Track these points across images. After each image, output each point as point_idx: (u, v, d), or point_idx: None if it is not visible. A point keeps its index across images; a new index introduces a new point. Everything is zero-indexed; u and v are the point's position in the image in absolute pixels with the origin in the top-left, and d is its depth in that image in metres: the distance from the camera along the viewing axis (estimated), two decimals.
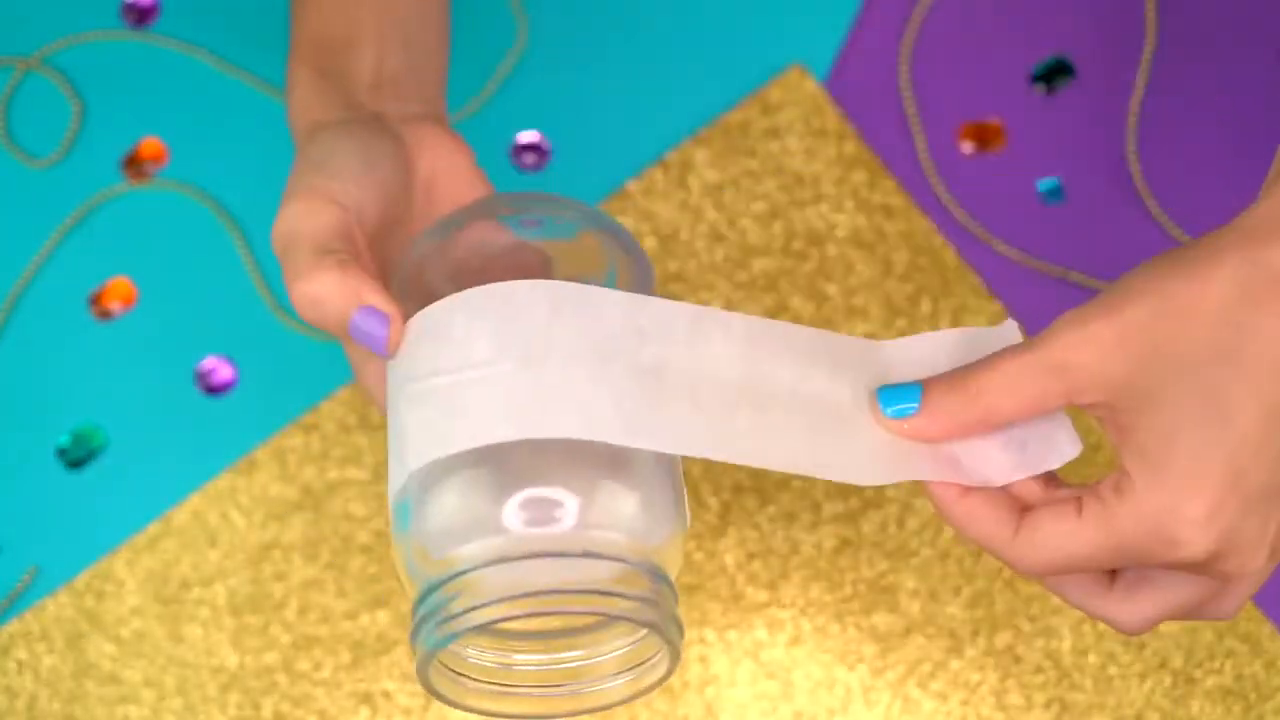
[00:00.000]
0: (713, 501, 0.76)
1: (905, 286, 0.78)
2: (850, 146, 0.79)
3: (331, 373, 0.78)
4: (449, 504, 0.53)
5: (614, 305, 0.55)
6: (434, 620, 0.52)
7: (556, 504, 0.52)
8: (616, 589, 0.51)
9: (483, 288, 0.55)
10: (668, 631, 0.52)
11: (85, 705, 0.75)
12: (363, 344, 0.56)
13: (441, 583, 0.52)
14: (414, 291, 0.57)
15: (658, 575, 0.53)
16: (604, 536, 0.52)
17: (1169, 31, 0.81)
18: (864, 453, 0.55)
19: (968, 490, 0.55)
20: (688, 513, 0.57)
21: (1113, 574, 0.56)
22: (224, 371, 0.78)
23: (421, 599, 0.53)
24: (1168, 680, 0.74)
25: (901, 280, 0.78)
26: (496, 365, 0.53)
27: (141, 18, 0.82)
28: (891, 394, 0.56)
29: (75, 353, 0.79)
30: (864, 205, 0.79)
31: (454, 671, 0.55)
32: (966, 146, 0.80)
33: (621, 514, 0.53)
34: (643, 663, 0.56)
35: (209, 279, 0.79)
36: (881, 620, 0.75)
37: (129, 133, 0.81)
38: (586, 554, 0.52)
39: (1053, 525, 0.54)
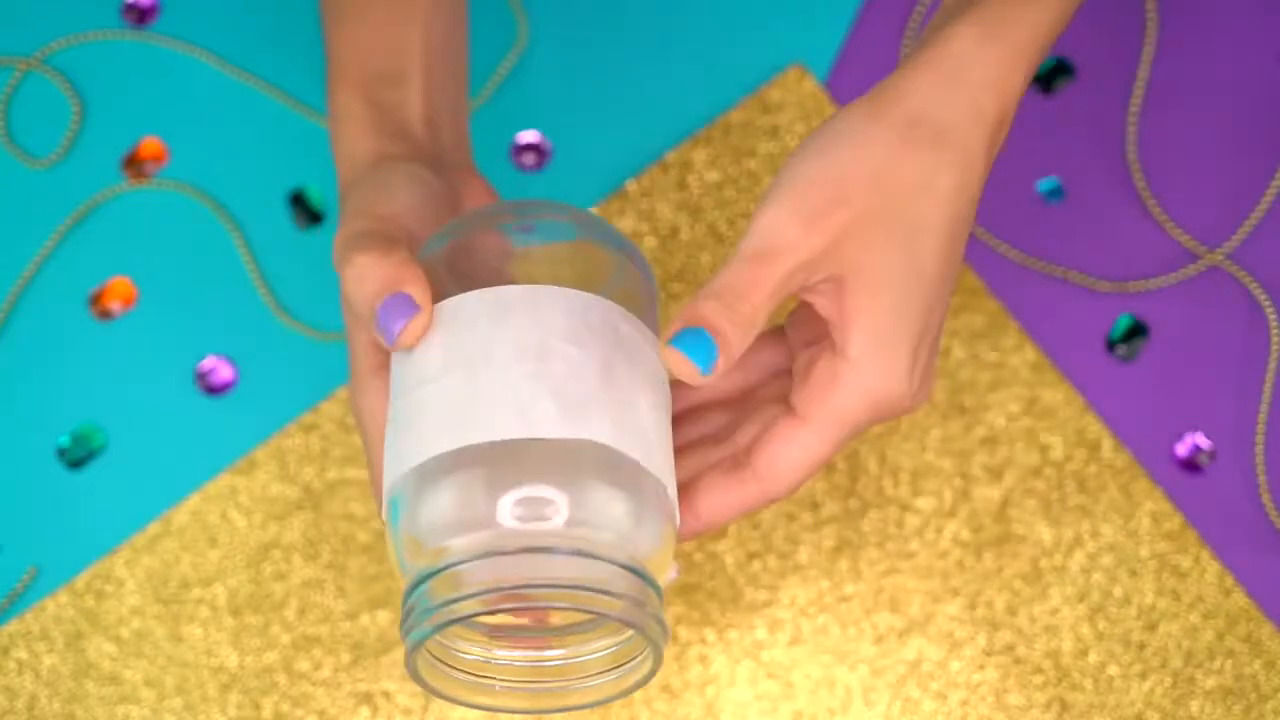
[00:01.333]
0: None
1: None
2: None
3: (331, 373, 0.78)
4: (442, 500, 0.53)
5: (561, 304, 0.55)
6: (421, 611, 0.52)
7: (548, 502, 0.53)
8: (602, 587, 0.52)
9: (441, 303, 0.56)
10: (651, 632, 0.53)
11: (85, 705, 0.75)
12: (379, 327, 0.56)
13: (430, 574, 0.53)
14: None
15: (644, 576, 0.53)
16: (594, 535, 0.53)
17: (1169, 32, 0.81)
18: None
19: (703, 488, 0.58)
20: (679, 514, 0.57)
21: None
22: (224, 371, 0.78)
23: (411, 590, 0.53)
24: (1168, 680, 0.74)
25: None
26: (443, 379, 0.55)
27: (141, 18, 0.82)
28: (686, 342, 0.55)
29: (75, 353, 0.79)
30: None
31: (442, 663, 0.56)
32: None
33: (612, 514, 0.53)
34: (627, 662, 0.56)
35: (209, 279, 0.79)
36: (882, 620, 0.75)
37: (129, 133, 0.81)
38: (576, 552, 0.52)
39: (788, 449, 0.57)
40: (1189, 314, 0.78)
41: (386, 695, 0.75)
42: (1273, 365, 0.77)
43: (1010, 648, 0.75)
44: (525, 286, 0.56)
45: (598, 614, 0.52)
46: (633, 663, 0.56)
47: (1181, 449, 0.76)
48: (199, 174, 0.81)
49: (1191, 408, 0.77)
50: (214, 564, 0.76)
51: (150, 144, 0.81)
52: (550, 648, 0.57)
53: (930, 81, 0.57)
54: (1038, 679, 0.74)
